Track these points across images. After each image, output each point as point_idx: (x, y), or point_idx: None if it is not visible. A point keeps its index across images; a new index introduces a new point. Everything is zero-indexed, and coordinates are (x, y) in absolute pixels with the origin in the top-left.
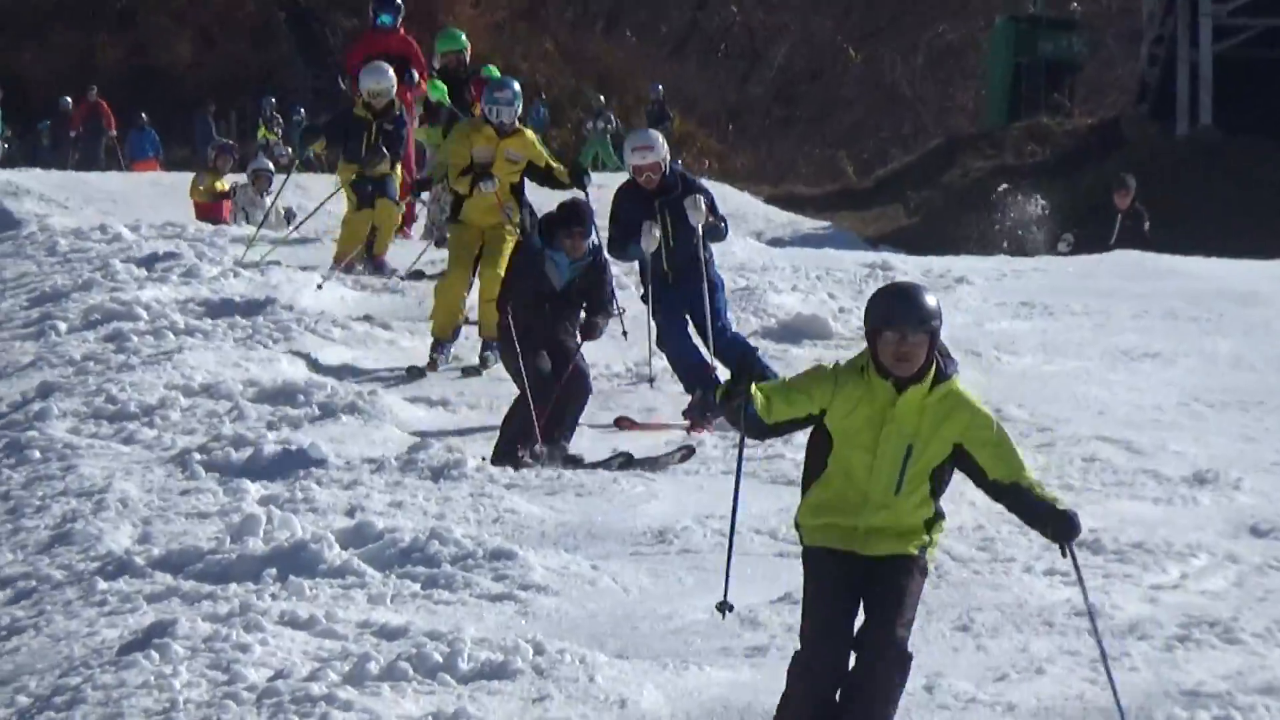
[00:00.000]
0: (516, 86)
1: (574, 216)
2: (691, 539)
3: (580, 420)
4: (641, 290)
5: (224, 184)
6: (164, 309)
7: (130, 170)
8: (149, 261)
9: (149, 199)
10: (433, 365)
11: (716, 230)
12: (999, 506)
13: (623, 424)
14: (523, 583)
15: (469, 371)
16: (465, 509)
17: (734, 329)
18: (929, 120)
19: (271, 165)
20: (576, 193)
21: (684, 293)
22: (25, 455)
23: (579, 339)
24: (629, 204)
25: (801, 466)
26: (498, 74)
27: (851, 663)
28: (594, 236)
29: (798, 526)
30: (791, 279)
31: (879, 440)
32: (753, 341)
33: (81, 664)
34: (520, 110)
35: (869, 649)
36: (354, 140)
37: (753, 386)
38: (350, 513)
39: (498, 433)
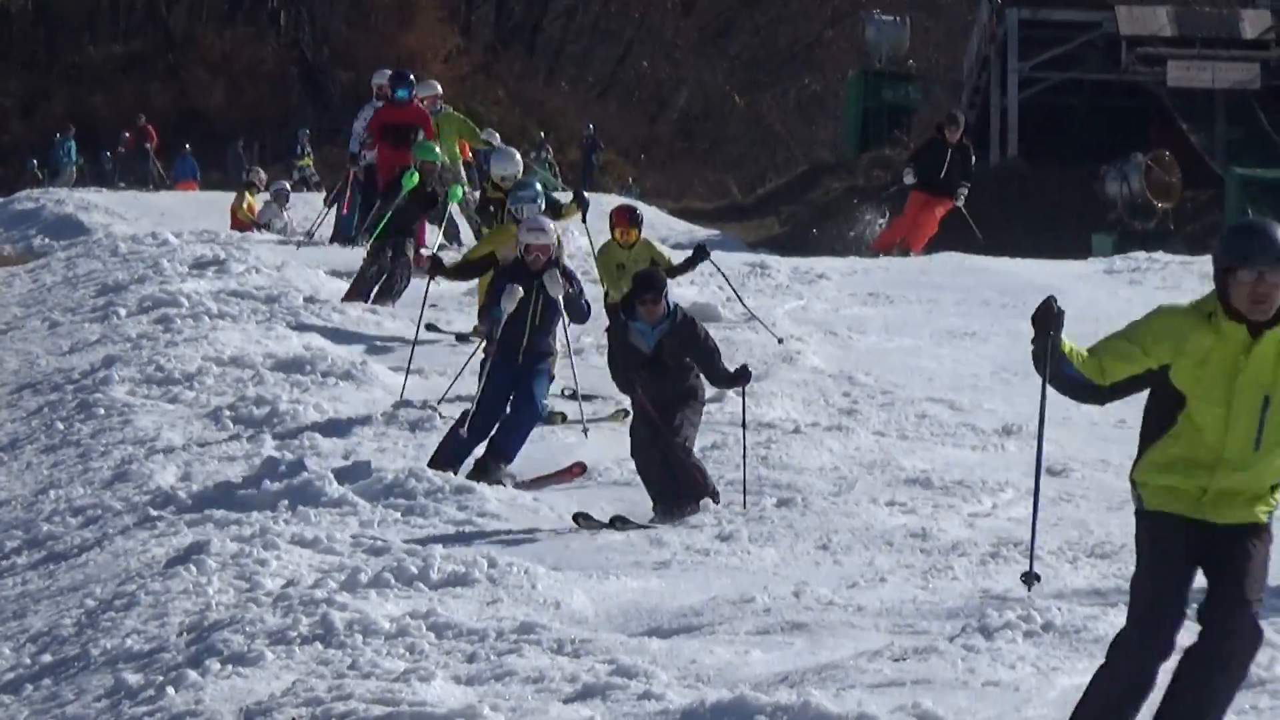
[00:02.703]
0: (538, 185)
1: (643, 285)
2: (610, 476)
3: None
4: None
5: (256, 202)
6: (201, 298)
7: (175, 189)
8: (190, 261)
9: (190, 213)
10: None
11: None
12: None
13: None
14: (480, 511)
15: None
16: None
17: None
18: (797, 151)
19: (288, 186)
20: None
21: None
22: (92, 412)
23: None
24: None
25: None
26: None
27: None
28: (668, 299)
29: (1134, 484)
30: (689, 275)
31: (1233, 392)
32: None
33: (135, 575)
34: (542, 206)
35: (1220, 625)
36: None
37: (1065, 345)
38: (346, 456)
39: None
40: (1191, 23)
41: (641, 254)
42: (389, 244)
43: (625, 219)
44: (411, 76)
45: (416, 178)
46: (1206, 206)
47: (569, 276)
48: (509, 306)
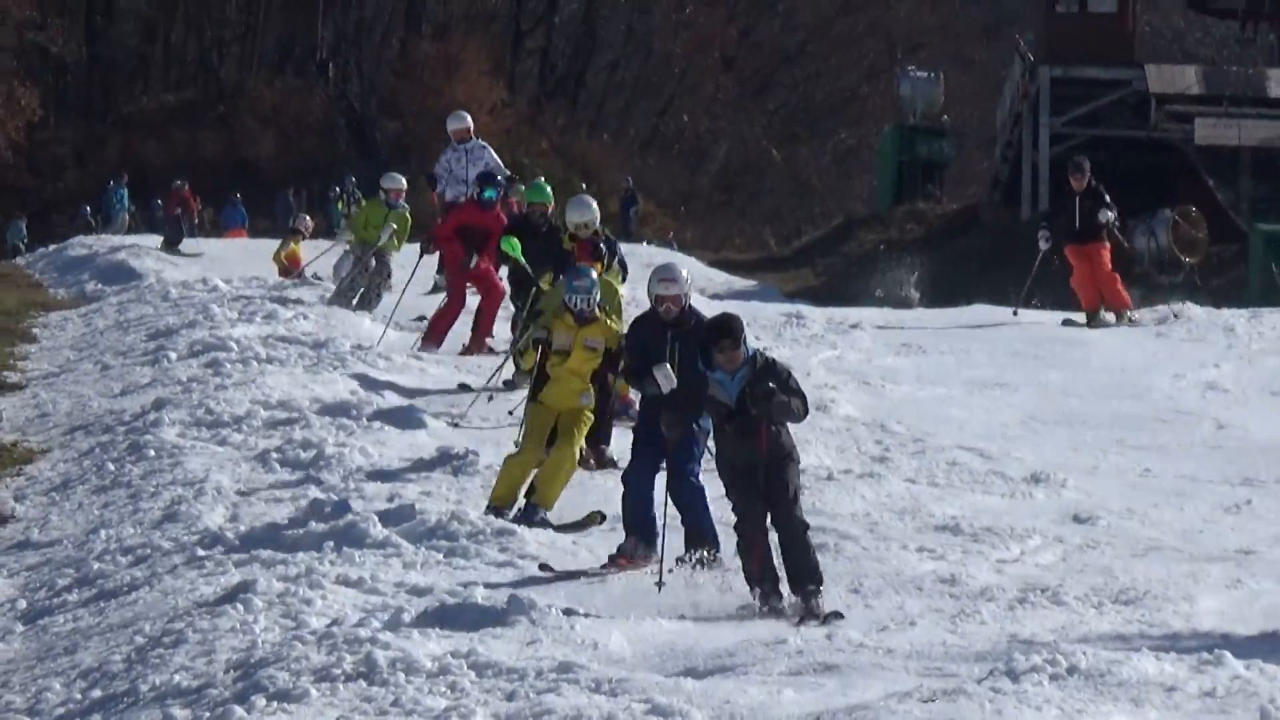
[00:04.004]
0: (594, 275)
1: (719, 331)
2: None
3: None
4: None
5: (300, 249)
6: (250, 343)
7: (224, 237)
8: (239, 306)
9: (239, 259)
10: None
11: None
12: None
13: (542, 569)
14: (520, 553)
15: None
16: (477, 497)
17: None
18: (833, 204)
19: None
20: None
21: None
22: (143, 453)
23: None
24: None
25: None
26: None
27: None
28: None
29: None
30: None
31: None
32: None
33: (184, 613)
34: (598, 297)
35: None
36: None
37: None
38: (390, 499)
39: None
40: (1219, 81)
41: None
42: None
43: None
44: (500, 178)
45: (517, 244)
46: (1231, 261)
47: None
48: (670, 384)
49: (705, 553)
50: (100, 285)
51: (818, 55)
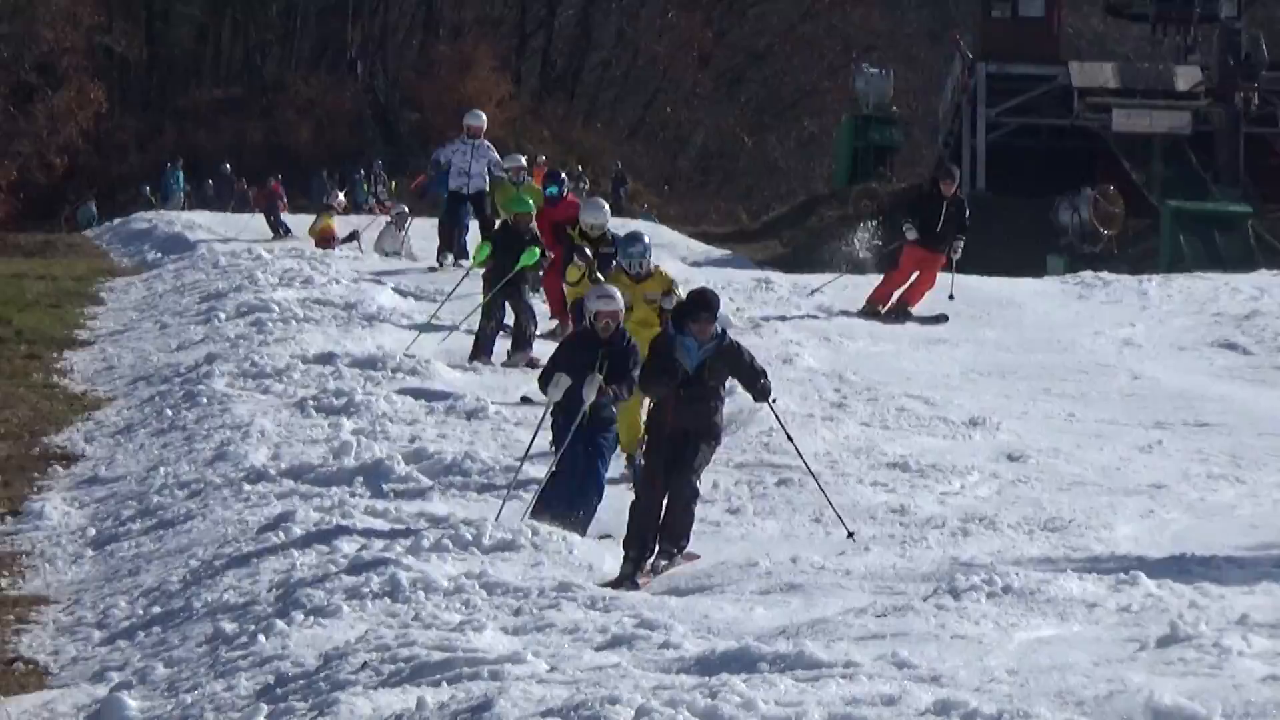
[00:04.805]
0: (646, 239)
1: (700, 303)
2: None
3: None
4: None
5: (334, 223)
6: (289, 304)
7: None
8: (280, 273)
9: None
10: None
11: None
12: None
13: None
14: (526, 488)
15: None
16: (487, 439)
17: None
18: (797, 184)
19: (407, 209)
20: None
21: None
22: (196, 401)
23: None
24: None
25: None
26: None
27: None
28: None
29: None
30: None
31: None
32: None
33: (232, 540)
34: (651, 256)
35: None
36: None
37: None
38: (411, 440)
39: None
40: (1133, 77)
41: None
42: (502, 300)
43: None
44: (563, 175)
45: (537, 254)
46: (1144, 233)
47: (628, 354)
48: (556, 396)
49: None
50: (159, 254)
51: (783, 54)
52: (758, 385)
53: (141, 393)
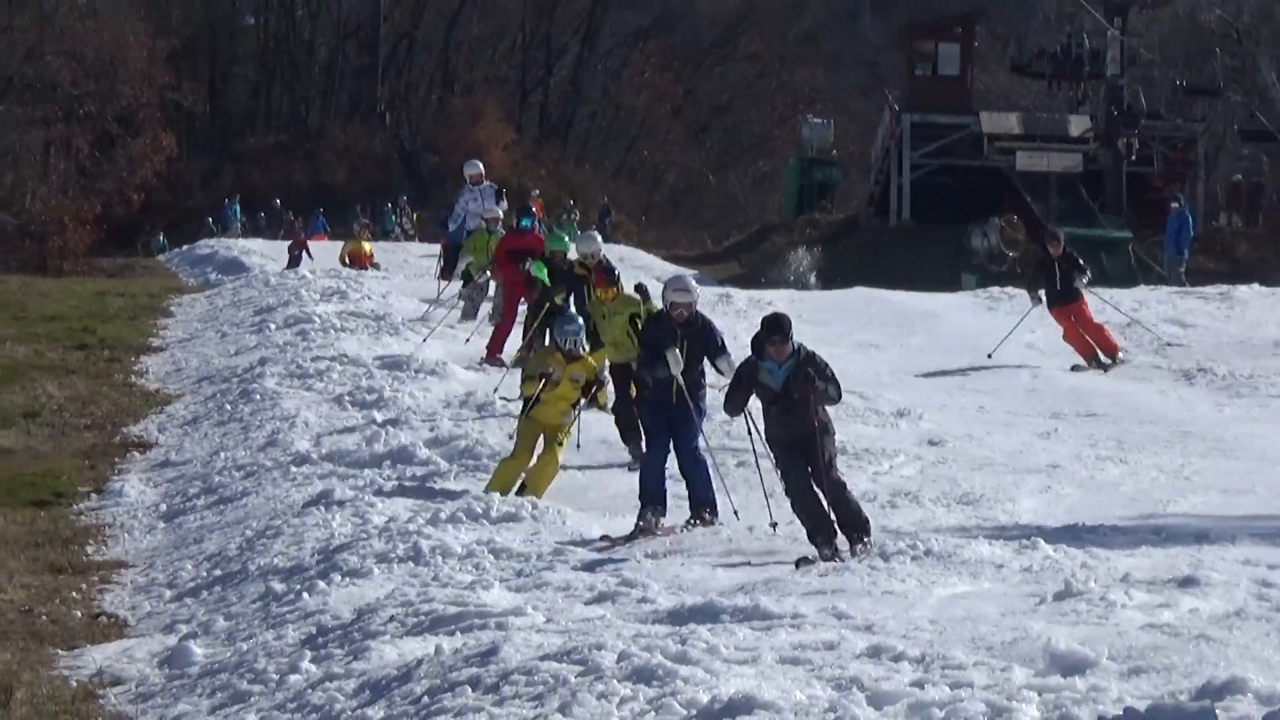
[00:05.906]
0: (580, 321)
1: (773, 327)
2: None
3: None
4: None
5: (367, 246)
6: (329, 316)
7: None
8: (321, 290)
9: (320, 257)
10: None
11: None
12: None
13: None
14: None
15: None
16: (495, 427)
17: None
18: (753, 215)
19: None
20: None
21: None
22: (250, 396)
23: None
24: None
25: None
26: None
27: None
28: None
29: None
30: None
31: None
32: None
33: (281, 513)
34: (585, 342)
35: None
36: (574, 290)
37: None
38: (431, 429)
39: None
40: (1033, 124)
41: (620, 307)
42: (547, 325)
43: (603, 279)
44: (534, 209)
45: (544, 268)
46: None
47: (704, 333)
48: (678, 370)
49: (706, 515)
50: (219, 275)
51: (741, 107)
52: (832, 394)
53: (205, 390)
